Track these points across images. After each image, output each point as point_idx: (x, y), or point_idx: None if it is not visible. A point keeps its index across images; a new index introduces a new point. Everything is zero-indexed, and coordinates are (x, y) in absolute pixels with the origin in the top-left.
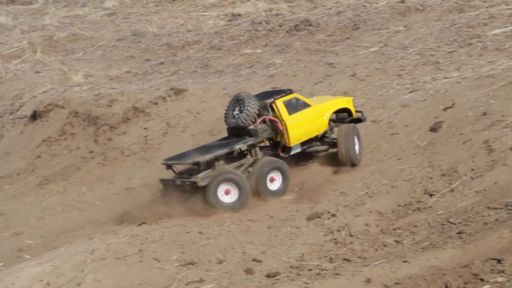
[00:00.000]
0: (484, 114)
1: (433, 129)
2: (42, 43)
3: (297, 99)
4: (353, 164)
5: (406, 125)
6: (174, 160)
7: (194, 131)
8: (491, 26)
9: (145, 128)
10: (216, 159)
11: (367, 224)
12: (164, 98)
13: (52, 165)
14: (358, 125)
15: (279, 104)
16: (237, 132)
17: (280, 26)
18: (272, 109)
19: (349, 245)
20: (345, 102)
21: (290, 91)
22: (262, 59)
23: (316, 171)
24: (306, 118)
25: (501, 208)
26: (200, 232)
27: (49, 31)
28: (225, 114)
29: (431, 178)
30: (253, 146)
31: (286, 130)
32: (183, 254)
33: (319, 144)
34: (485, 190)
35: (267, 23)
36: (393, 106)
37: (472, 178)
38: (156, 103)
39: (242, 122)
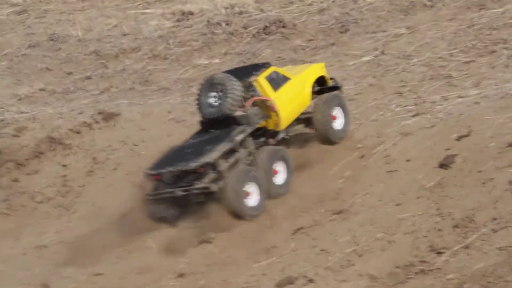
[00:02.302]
0: (510, 145)
1: (443, 165)
2: None
3: (276, 73)
4: (332, 142)
5: (407, 160)
6: (165, 167)
7: (129, 169)
8: None
9: (64, 165)
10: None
11: None
12: (90, 125)
13: None
14: None
15: (262, 81)
16: (217, 122)
17: (245, 28)
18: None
19: None
20: (320, 69)
21: (268, 64)
22: None
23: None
24: (291, 94)
25: None
26: None
27: None
28: (198, 103)
29: (440, 230)
30: (246, 136)
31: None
32: None
33: (295, 123)
34: (510, 246)
35: (227, 24)
36: (391, 134)
37: (494, 231)
38: (79, 132)
39: (228, 109)
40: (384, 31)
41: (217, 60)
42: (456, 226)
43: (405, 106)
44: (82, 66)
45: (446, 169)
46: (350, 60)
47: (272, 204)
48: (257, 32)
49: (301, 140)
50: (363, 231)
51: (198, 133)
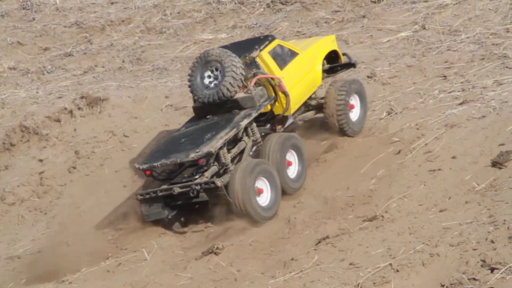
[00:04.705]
0: None
1: (496, 164)
2: None
3: (281, 47)
4: (347, 134)
5: (453, 157)
6: (158, 160)
7: (119, 165)
8: None
9: (40, 160)
10: (220, 147)
11: None
12: (71, 111)
13: None
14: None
15: (266, 56)
16: (214, 107)
17: None
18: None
19: None
20: (331, 42)
21: (271, 37)
22: None
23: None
24: (299, 72)
25: None
26: None
27: None
28: (190, 85)
29: (493, 241)
30: (251, 121)
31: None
32: None
33: (303, 109)
34: None
35: None
36: (434, 126)
37: None
38: (58, 120)
39: (228, 90)
40: (426, 1)
41: (223, 35)
42: None
43: (450, 92)
44: (61, 40)
45: (500, 168)
46: (384, 36)
47: (291, 209)
48: (272, 1)
49: (321, 130)
50: (400, 242)
51: (192, 121)
